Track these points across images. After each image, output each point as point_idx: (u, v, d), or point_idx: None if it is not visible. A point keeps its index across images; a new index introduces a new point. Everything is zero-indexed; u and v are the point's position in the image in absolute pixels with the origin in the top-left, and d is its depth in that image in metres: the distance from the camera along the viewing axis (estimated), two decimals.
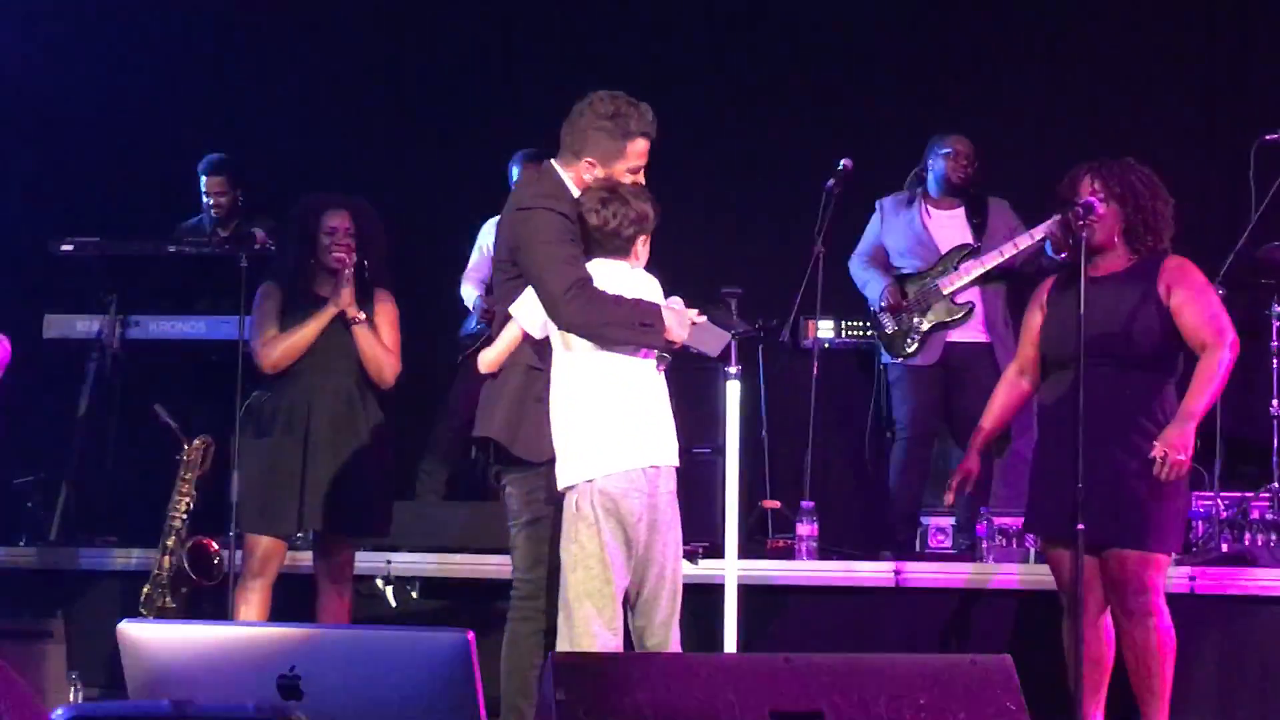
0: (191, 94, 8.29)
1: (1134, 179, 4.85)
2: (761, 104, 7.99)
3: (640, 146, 4.37)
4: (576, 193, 4.38)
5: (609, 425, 4.30)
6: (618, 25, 8.13)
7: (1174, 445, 4.62)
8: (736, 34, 8.10)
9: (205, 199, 7.30)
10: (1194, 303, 4.76)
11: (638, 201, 4.38)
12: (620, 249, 4.38)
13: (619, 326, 4.24)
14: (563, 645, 4.22)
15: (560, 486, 4.33)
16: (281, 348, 5.35)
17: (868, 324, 6.99)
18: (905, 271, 6.76)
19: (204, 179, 7.29)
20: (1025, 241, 6.46)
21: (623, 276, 4.39)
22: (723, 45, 8.11)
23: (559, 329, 4.33)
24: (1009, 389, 5.06)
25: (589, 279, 4.25)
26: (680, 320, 4.32)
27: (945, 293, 6.61)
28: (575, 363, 4.34)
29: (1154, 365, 4.77)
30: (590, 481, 4.29)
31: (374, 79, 8.32)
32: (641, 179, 4.41)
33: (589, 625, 4.23)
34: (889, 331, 6.72)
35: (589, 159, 4.37)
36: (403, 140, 8.14)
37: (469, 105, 8.14)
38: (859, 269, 6.83)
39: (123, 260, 6.84)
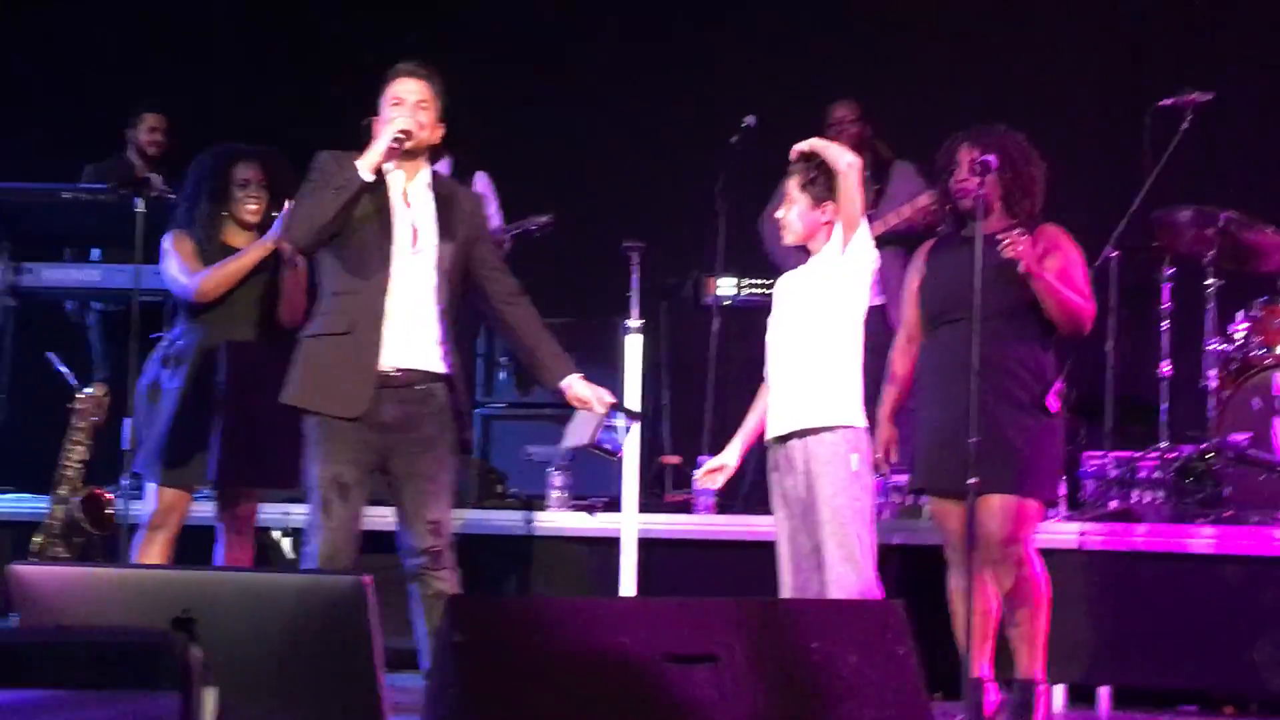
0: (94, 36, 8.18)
1: (1009, 145, 4.94)
2: (669, 57, 8.00)
3: (397, 84, 4.64)
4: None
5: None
6: None
7: (1027, 242, 4.73)
8: None
9: (142, 135, 7.22)
10: (1065, 271, 4.88)
11: None
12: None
13: (325, 205, 4.50)
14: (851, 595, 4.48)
15: (830, 423, 4.62)
16: (215, 277, 5.27)
17: (769, 281, 7.02)
18: None
19: (147, 115, 7.21)
20: (922, 201, 6.50)
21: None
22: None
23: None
24: (903, 355, 5.12)
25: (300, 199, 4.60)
26: (387, 125, 4.57)
27: None
28: (856, 311, 4.71)
29: (1026, 319, 4.87)
30: (858, 430, 4.66)
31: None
32: (397, 109, 4.62)
33: (873, 573, 4.60)
34: None
35: (376, 116, 4.67)
36: (319, 90, 8.09)
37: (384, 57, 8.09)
38: (763, 228, 6.84)
39: (14, 206, 6.72)
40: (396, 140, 4.53)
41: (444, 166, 7.33)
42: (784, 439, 4.72)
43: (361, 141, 4.68)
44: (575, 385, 4.70)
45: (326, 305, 4.63)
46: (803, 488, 4.66)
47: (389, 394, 4.55)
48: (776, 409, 4.77)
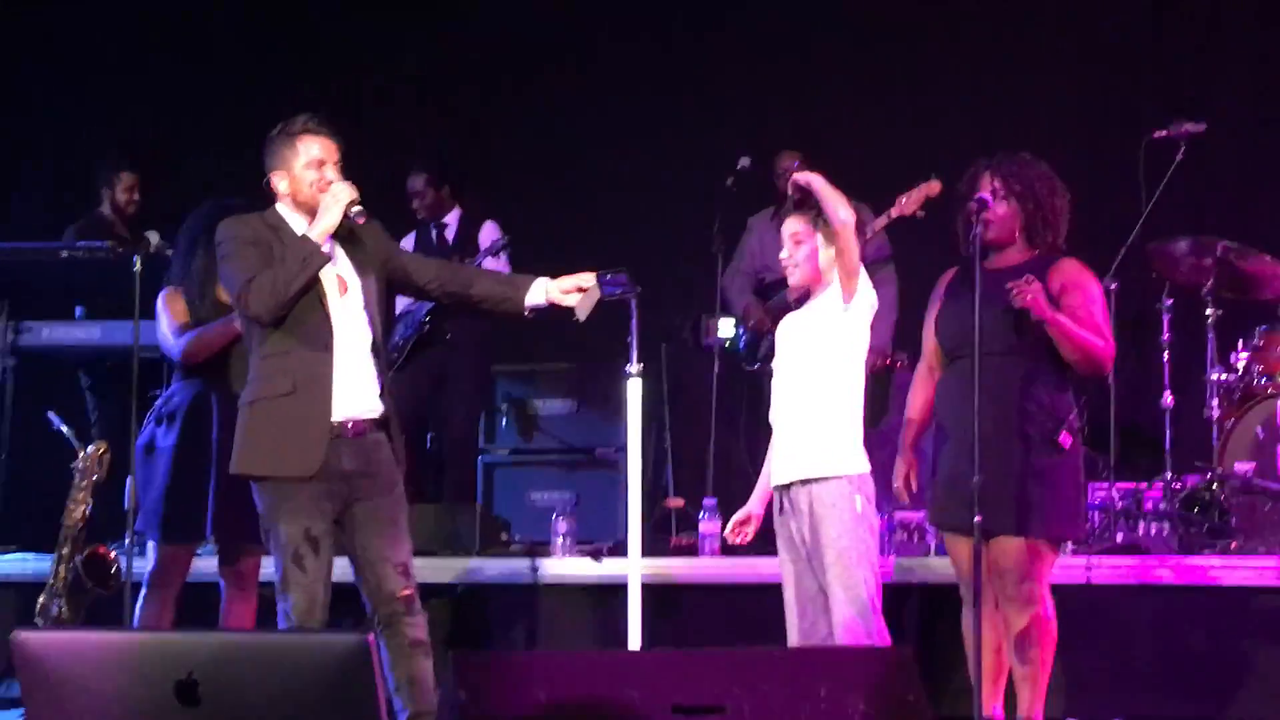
0: (81, 95, 8.21)
1: (1032, 175, 4.88)
2: (664, 101, 8.03)
3: (310, 142, 4.60)
4: (286, 211, 4.63)
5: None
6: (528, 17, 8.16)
7: (1038, 290, 4.65)
8: (642, 32, 8.15)
9: (119, 196, 7.23)
10: (1083, 309, 4.79)
11: None
12: None
13: (290, 281, 4.45)
14: (860, 641, 4.45)
15: (835, 473, 4.61)
16: (202, 341, 5.28)
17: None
18: (769, 280, 6.91)
19: (123, 174, 7.22)
20: (935, 188, 6.50)
21: None
22: (626, 44, 8.15)
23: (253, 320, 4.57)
24: (924, 384, 5.03)
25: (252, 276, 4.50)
26: (333, 197, 4.51)
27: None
28: (858, 352, 4.72)
29: (1041, 355, 4.78)
30: (863, 475, 4.64)
31: (273, 82, 8.27)
32: (331, 174, 4.58)
33: (879, 615, 4.57)
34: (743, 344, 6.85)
35: (276, 171, 4.63)
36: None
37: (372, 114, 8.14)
38: (726, 284, 6.95)
39: (12, 265, 6.72)
40: (351, 213, 4.52)
41: (453, 217, 7.41)
42: (788, 485, 4.71)
43: (262, 194, 4.65)
44: (550, 287, 4.67)
45: (263, 370, 4.55)
46: (807, 531, 4.65)
47: (345, 444, 4.51)
48: (782, 456, 4.75)
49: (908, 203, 6.56)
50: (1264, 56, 7.45)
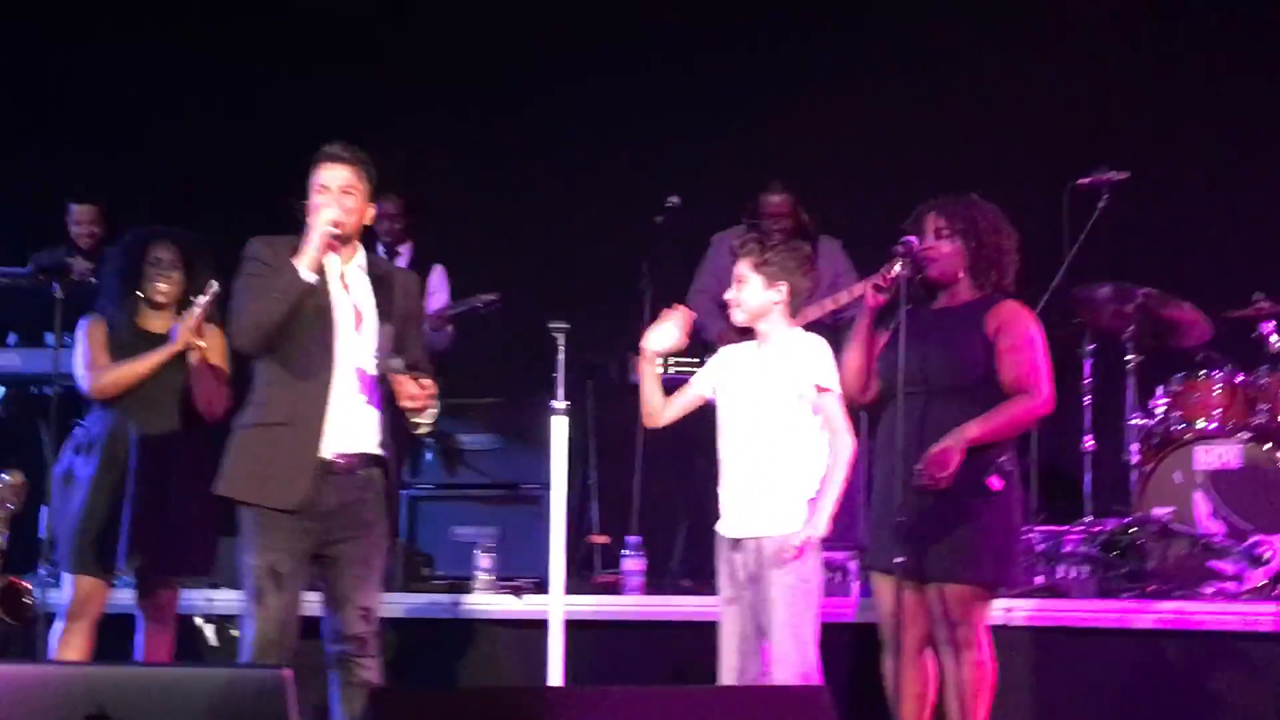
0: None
1: (976, 215, 4.89)
2: (594, 136, 8.06)
3: (321, 170, 4.55)
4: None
5: None
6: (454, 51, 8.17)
7: (932, 462, 4.61)
8: (569, 69, 8.17)
9: (74, 228, 7.15)
10: (1016, 352, 4.77)
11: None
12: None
13: (269, 311, 4.41)
14: (791, 679, 4.46)
15: (789, 530, 4.62)
16: (112, 377, 5.24)
17: (697, 360, 7.03)
18: None
19: (74, 208, 7.15)
20: (844, 298, 6.50)
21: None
22: (553, 78, 8.17)
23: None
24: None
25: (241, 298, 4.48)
26: (316, 221, 4.49)
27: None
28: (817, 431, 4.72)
29: (979, 398, 4.75)
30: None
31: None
32: (320, 199, 4.54)
33: (816, 654, 4.59)
34: None
35: (308, 199, 4.60)
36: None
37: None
38: (699, 307, 6.90)
39: None
40: (329, 233, 4.48)
41: (407, 249, 7.42)
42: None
43: (293, 222, 4.61)
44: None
45: (261, 395, 4.52)
46: (754, 564, 4.64)
47: (331, 481, 4.47)
48: (734, 508, 4.73)
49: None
50: (1186, 105, 7.57)
